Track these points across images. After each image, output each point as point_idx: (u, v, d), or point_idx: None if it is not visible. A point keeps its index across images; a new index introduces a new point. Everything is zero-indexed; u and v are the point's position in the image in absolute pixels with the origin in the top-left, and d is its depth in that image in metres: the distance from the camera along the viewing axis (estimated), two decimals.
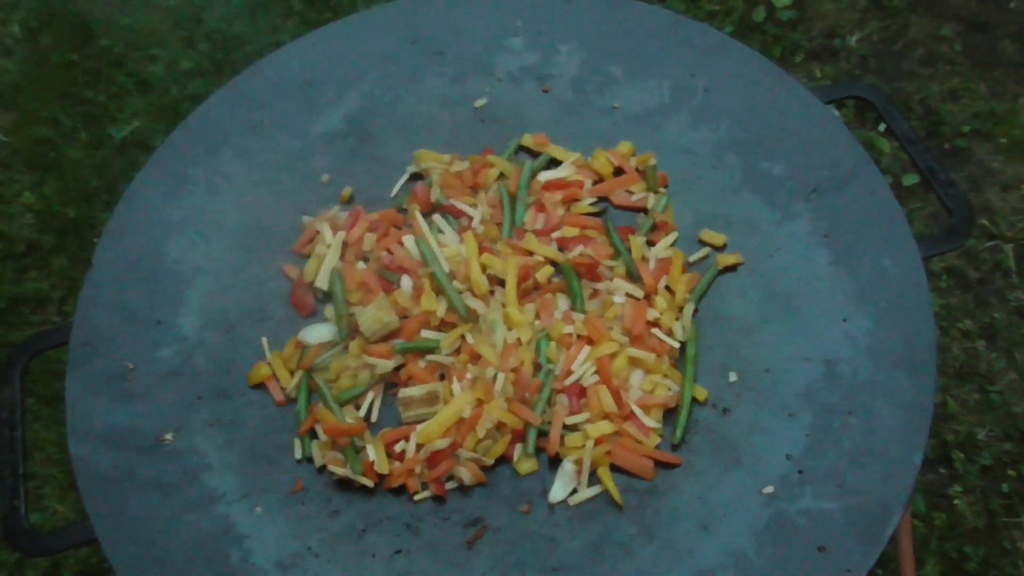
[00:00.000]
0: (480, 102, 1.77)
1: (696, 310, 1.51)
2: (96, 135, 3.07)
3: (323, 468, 1.41)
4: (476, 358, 1.44)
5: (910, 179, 2.79)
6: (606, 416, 1.39)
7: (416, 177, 1.70)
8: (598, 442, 1.37)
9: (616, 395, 1.41)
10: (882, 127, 2.89)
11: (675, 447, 1.40)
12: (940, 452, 2.37)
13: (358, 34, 1.84)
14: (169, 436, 1.43)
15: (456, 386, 1.40)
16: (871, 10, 3.21)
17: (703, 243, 1.59)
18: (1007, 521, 2.26)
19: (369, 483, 1.37)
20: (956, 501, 2.29)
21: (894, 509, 1.28)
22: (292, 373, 1.49)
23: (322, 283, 1.56)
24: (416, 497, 1.37)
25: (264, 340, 1.53)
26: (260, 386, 1.49)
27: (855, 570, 1.24)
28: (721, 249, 1.58)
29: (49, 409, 2.52)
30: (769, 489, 1.33)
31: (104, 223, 1.62)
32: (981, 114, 2.91)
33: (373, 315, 1.47)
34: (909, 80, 3.02)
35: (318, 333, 1.49)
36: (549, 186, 1.63)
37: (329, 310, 1.51)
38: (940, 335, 2.52)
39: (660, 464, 1.38)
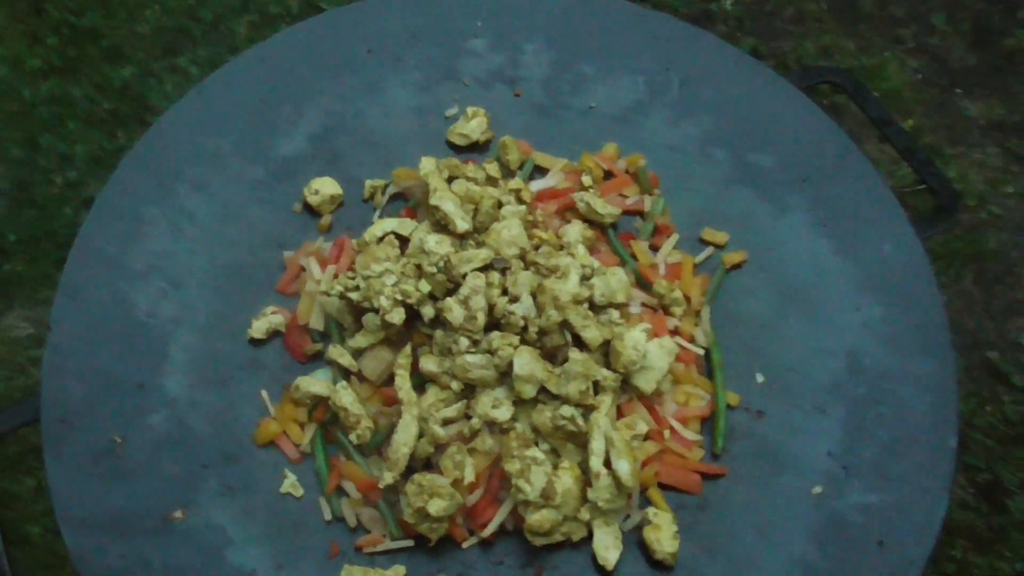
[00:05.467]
0: (451, 111, 1.67)
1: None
2: None
3: (357, 527, 1.31)
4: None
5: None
6: (648, 436, 1.35)
7: (398, 197, 1.59)
8: (645, 463, 1.33)
9: (652, 411, 1.38)
10: None
11: (715, 457, 1.38)
12: None
13: (309, 44, 1.70)
14: (179, 513, 1.29)
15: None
16: None
17: (705, 242, 1.56)
18: None
19: (410, 544, 1.28)
20: None
21: (940, 495, 1.30)
22: (302, 427, 1.37)
23: (317, 324, 1.44)
24: (464, 545, 1.30)
25: (264, 393, 1.40)
26: (269, 444, 1.36)
27: (917, 561, 1.26)
28: (724, 247, 1.56)
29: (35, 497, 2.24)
30: (817, 489, 1.33)
31: None
32: (852, 69, 3.00)
33: (376, 355, 1.37)
34: (784, 39, 3.09)
35: (321, 381, 1.36)
36: (542, 196, 1.56)
37: (336, 352, 1.39)
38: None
39: (706, 477, 1.36)
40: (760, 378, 1.43)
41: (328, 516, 1.31)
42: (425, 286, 1.34)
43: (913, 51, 3.07)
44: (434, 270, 1.34)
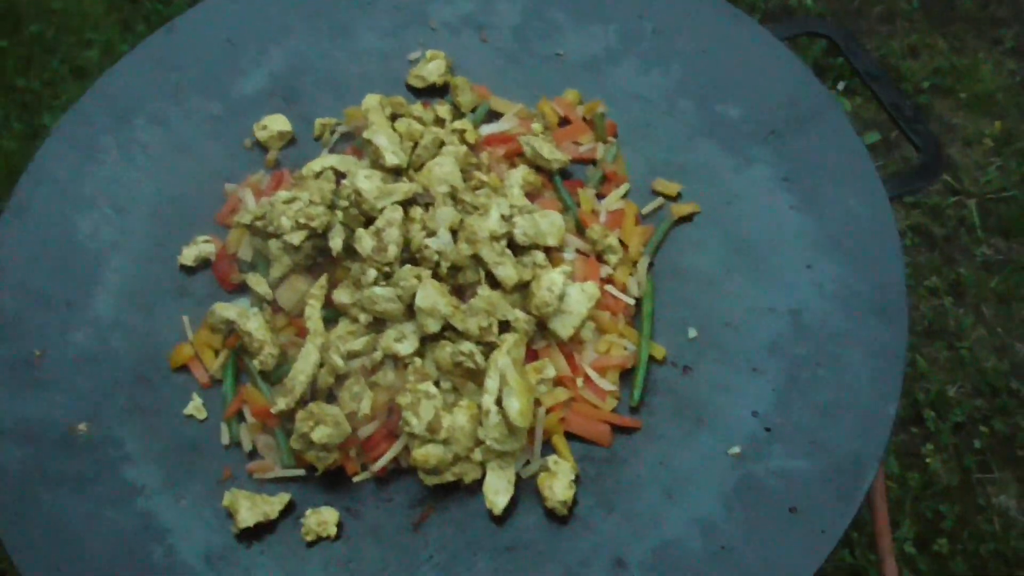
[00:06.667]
0: (414, 55, 1.65)
1: (652, 264, 1.41)
2: (30, 124, 2.91)
3: (253, 453, 1.29)
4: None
5: (871, 137, 2.70)
6: (559, 381, 1.29)
7: (347, 137, 1.57)
8: (551, 409, 1.27)
9: (569, 358, 1.31)
10: (841, 85, 2.81)
11: (634, 410, 1.30)
12: (912, 411, 2.29)
13: None
14: (83, 427, 1.30)
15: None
16: None
17: (657, 193, 1.48)
18: (981, 477, 2.20)
19: (301, 473, 1.26)
20: (929, 460, 2.22)
21: (869, 464, 1.19)
22: (217, 353, 1.37)
23: (246, 254, 1.43)
24: (355, 479, 1.26)
25: (185, 319, 1.40)
26: (183, 368, 1.37)
27: (830, 530, 1.15)
28: (676, 199, 1.47)
29: None
30: (736, 450, 1.23)
31: None
32: (941, 70, 2.84)
33: (291, 285, 1.35)
34: (868, 38, 2.95)
35: (237, 307, 1.36)
36: (491, 140, 1.52)
37: (253, 280, 1.38)
38: (907, 293, 2.44)
39: (618, 430, 1.28)
40: (693, 333, 1.34)
41: (226, 440, 1.30)
42: (328, 214, 1.31)
43: (1011, 52, 2.87)
44: (346, 203, 1.32)
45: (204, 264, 1.46)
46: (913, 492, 2.18)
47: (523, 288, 1.32)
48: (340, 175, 1.44)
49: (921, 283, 2.48)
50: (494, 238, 1.30)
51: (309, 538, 1.21)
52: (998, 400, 2.29)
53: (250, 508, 1.21)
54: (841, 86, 2.81)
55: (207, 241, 1.46)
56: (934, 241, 2.56)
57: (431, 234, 1.33)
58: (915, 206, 2.60)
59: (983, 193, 2.62)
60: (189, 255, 1.44)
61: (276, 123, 1.56)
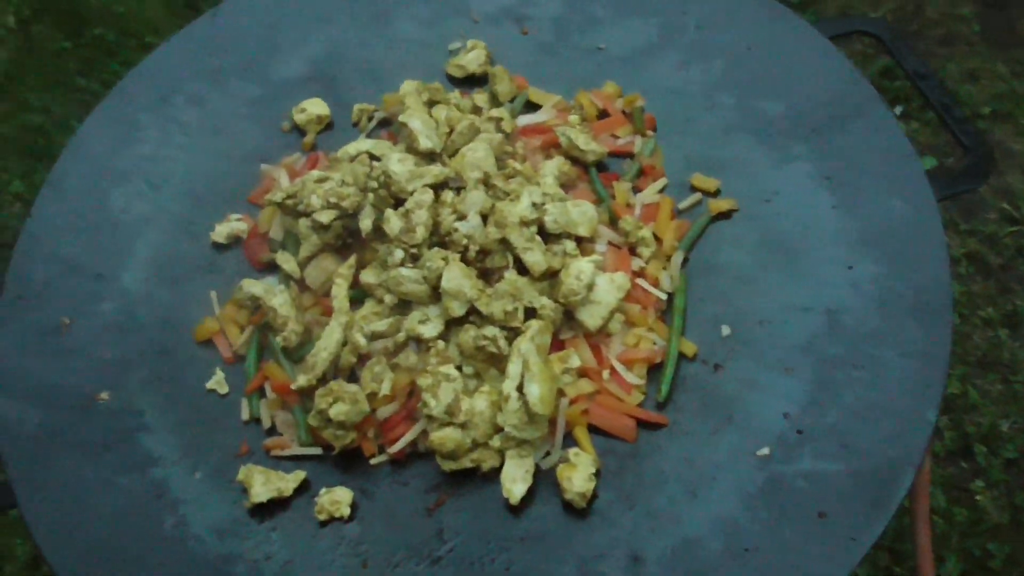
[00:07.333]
0: (455, 45, 1.64)
1: (686, 260, 1.37)
2: None
3: (271, 430, 1.28)
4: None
5: (928, 163, 2.62)
6: (584, 373, 1.26)
7: (385, 123, 1.57)
8: (574, 401, 1.23)
9: (595, 349, 1.28)
10: (898, 110, 2.74)
11: (660, 406, 1.26)
12: (961, 445, 2.20)
13: None
14: (104, 395, 1.30)
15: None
16: None
17: (695, 189, 1.45)
18: None
19: (318, 452, 1.24)
20: (978, 496, 2.13)
21: (904, 470, 1.13)
22: (242, 329, 1.36)
23: (277, 234, 1.43)
24: (372, 461, 1.24)
25: (213, 294, 1.40)
26: (208, 343, 1.36)
27: (860, 538, 1.09)
28: (714, 195, 1.44)
29: None
30: (764, 451, 1.19)
31: None
32: (1001, 95, 2.76)
33: (319, 265, 1.34)
34: (926, 61, 2.88)
35: (265, 285, 1.35)
36: (527, 131, 1.50)
37: (282, 258, 1.38)
38: (960, 323, 2.36)
39: (644, 425, 1.24)
40: (726, 330, 1.30)
41: (245, 416, 1.29)
42: (358, 194, 1.30)
43: None
44: (375, 184, 1.31)
45: (235, 242, 1.46)
46: (960, 528, 2.08)
47: (552, 277, 1.30)
48: (375, 159, 1.43)
49: (975, 313, 2.39)
50: (524, 223, 1.28)
51: (322, 517, 1.19)
52: None
53: (264, 483, 1.19)
54: (898, 111, 2.75)
55: (239, 219, 1.46)
56: (990, 270, 2.47)
57: (461, 218, 1.31)
58: (971, 234, 2.52)
59: None
60: (221, 232, 1.44)
61: (314, 107, 1.56)
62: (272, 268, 1.42)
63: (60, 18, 3.27)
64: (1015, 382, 2.27)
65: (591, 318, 1.27)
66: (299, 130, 1.57)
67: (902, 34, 1.53)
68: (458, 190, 1.35)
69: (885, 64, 2.82)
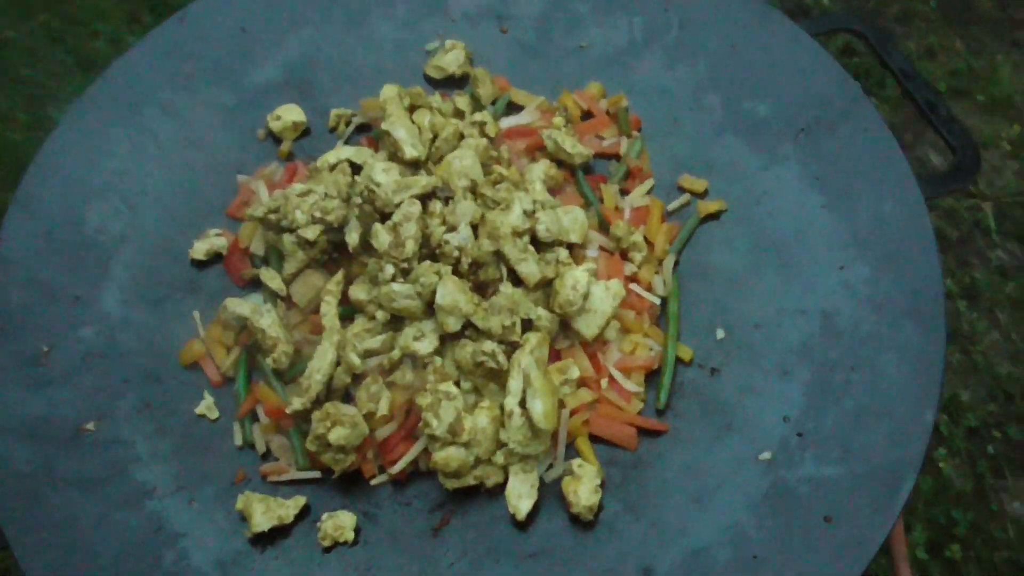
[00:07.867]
0: (432, 45, 1.60)
1: (677, 263, 1.37)
2: (36, 116, 2.86)
3: (267, 454, 1.25)
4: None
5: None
6: (583, 382, 1.25)
7: (363, 128, 1.53)
8: (575, 411, 1.23)
9: (593, 358, 1.27)
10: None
11: (660, 413, 1.26)
12: None
13: None
14: (91, 426, 1.26)
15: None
16: None
17: (683, 190, 1.44)
18: (994, 483, 2.16)
19: (316, 475, 1.22)
20: (942, 465, 2.18)
21: (906, 473, 1.14)
22: (229, 350, 1.33)
23: (258, 248, 1.39)
24: (373, 482, 1.22)
25: (196, 314, 1.36)
26: (194, 366, 1.33)
27: (866, 542, 1.10)
28: (703, 196, 1.43)
29: None
30: (766, 455, 1.19)
31: None
32: (958, 72, 2.80)
33: (305, 281, 1.31)
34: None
35: (250, 303, 1.31)
36: (511, 133, 1.47)
37: (267, 275, 1.34)
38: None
39: (645, 432, 1.24)
40: (721, 334, 1.30)
41: (239, 441, 1.26)
42: (343, 207, 1.27)
43: None
44: (359, 200, 1.28)
45: (215, 258, 1.42)
46: (925, 497, 2.13)
47: (546, 286, 1.28)
48: (356, 167, 1.40)
49: None
50: (517, 234, 1.26)
51: (326, 543, 1.17)
52: (1012, 406, 2.24)
53: (264, 512, 1.17)
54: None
55: (219, 235, 1.41)
56: (948, 244, 2.51)
57: (450, 229, 1.28)
58: (930, 208, 2.55)
59: (999, 196, 2.58)
60: (200, 249, 1.40)
61: (290, 113, 1.51)
62: (255, 284, 1.39)
63: (2, 5, 3.14)
64: (974, 352, 2.32)
65: (588, 327, 1.26)
66: (275, 138, 1.53)
67: (882, 30, 1.52)
68: (446, 200, 1.32)
69: (846, 41, 2.83)
